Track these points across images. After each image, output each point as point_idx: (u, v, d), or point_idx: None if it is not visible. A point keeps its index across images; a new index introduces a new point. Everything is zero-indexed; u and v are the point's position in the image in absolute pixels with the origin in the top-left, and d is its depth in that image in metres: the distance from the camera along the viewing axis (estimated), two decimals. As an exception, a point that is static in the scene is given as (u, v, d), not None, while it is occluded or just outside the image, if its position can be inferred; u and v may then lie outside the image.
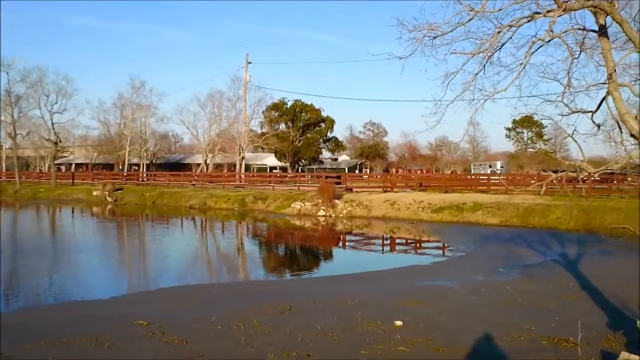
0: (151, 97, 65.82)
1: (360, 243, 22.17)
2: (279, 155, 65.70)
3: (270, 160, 73.16)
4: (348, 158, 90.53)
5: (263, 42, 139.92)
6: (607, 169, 7.09)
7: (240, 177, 49.34)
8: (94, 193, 42.74)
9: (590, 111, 6.96)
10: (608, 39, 6.39)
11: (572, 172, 7.24)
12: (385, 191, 33.63)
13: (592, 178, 26.11)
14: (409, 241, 22.79)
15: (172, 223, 29.95)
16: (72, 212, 36.43)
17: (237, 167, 56.04)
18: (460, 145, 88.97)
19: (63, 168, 79.89)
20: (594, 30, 6.55)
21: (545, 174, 36.86)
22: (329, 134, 69.73)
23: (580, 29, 6.81)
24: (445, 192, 32.53)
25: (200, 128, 62.97)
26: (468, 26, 6.83)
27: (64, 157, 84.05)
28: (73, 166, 79.95)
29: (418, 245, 21.67)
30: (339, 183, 36.60)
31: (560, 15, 6.28)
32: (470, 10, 6.59)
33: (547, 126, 77.08)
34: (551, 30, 6.48)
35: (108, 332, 7.88)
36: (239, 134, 57.00)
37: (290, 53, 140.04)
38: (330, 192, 30.48)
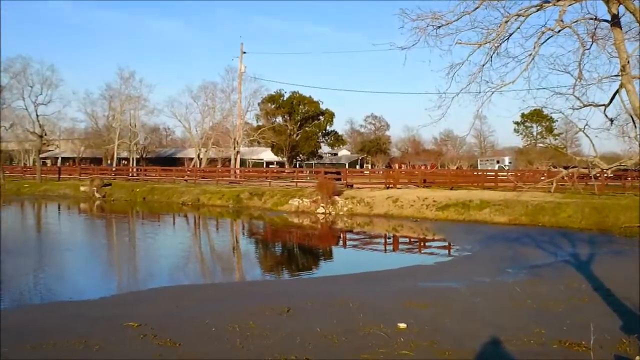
0: (141, 88, 65.65)
1: (362, 242, 22.20)
2: (276, 149, 65.76)
3: (267, 154, 73.17)
4: (348, 153, 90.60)
5: (259, 34, 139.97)
6: (620, 165, 7.11)
7: (235, 172, 49.31)
8: (82, 189, 42.67)
9: (603, 105, 6.97)
10: (621, 29, 6.40)
11: (583, 168, 7.26)
12: (388, 188, 33.67)
13: (605, 175, 26.18)
14: (412, 240, 22.84)
15: (164, 220, 29.97)
16: (59, 208, 36.40)
17: (232, 162, 56.05)
18: (466, 140, 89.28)
19: (49, 162, 79.85)
20: (606, 20, 6.56)
21: (556, 170, 36.87)
22: (328, 127, 69.85)
23: (592, 19, 6.82)
24: (451, 189, 32.56)
25: (193, 121, 62.97)
26: (474, 15, 6.85)
27: (50, 150, 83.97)
28: (59, 160, 79.95)
29: (422, 244, 21.72)
30: (339, 179, 36.59)
31: (571, 4, 6.31)
32: (477, -2, 6.62)
33: (557, 120, 77.17)
34: (561, 20, 6.50)
35: (97, 334, 7.92)
36: (233, 127, 57.00)
37: (288, 45, 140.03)
38: (330, 188, 30.50)
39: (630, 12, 6.05)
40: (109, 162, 68.86)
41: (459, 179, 39.94)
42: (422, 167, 69.54)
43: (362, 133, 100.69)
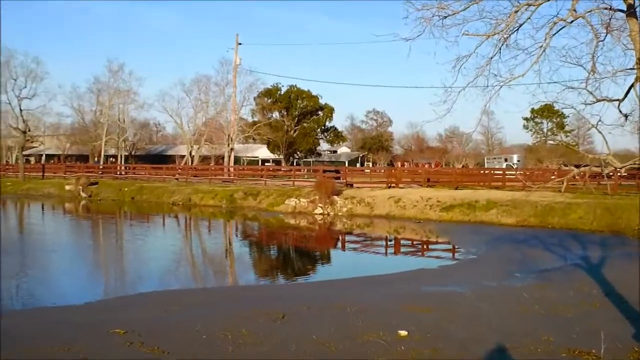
0: (130, 82, 65.65)
1: (362, 244, 22.20)
2: (272, 146, 65.65)
3: (262, 152, 73.15)
4: (348, 150, 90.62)
5: (256, 25, 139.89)
6: (634, 164, 7.09)
7: (228, 170, 49.30)
8: (67, 187, 42.62)
9: (617, 99, 6.95)
10: (637, 19, 6.38)
11: (596, 166, 7.25)
12: (390, 187, 33.66)
13: (619, 173, 26.17)
14: (415, 242, 22.83)
15: (153, 221, 29.94)
16: (43, 208, 36.37)
17: (226, 159, 56.03)
18: (473, 137, 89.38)
19: (32, 159, 79.85)
20: (621, 10, 6.54)
21: (567, 168, 36.77)
22: (327, 123, 69.71)
23: (606, 9, 6.80)
24: (456, 189, 32.57)
25: (185, 116, 62.98)
26: (482, 4, 6.83)
27: (34, 147, 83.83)
28: (43, 158, 79.93)
29: (425, 246, 21.73)
30: (338, 178, 36.63)
31: (584, -7, 6.27)
32: (485, -13, 6.59)
33: (568, 116, 76.93)
34: (574, 10, 6.48)
35: (82, 341, 7.88)
36: (227, 123, 56.97)
37: (286, 37, 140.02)
38: (329, 187, 30.50)
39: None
40: (95, 159, 68.77)
41: (464, 178, 39.94)
42: (426, 166, 69.63)
43: (363, 129, 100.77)
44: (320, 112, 67.83)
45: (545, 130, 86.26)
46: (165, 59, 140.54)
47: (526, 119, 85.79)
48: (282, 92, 65.29)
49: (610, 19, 6.96)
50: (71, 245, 21.33)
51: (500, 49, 7.03)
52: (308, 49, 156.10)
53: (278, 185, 37.54)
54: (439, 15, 6.90)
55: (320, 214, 29.38)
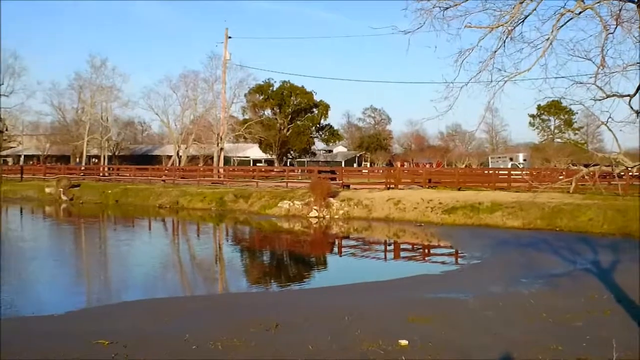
0: (114, 78, 65.35)
1: (359, 249, 22.19)
2: (264, 146, 65.58)
3: (254, 151, 73.09)
4: (345, 149, 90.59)
5: (247, 18, 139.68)
6: (646, 163, 7.10)
7: (218, 171, 49.27)
8: (47, 190, 42.51)
9: (628, 95, 6.95)
10: (649, 10, 6.39)
11: (606, 166, 7.26)
12: (389, 188, 33.66)
13: (630, 173, 26.24)
14: (415, 247, 22.85)
15: (139, 225, 29.86)
16: (21, 212, 36.22)
17: (215, 159, 55.96)
18: (476, 135, 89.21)
19: (10, 161, 79.48)
20: (632, 1, 6.55)
21: (575, 168, 36.87)
22: (322, 121, 69.67)
23: (616, -1, 6.81)
24: (459, 190, 32.61)
25: (172, 114, 62.82)
26: (485, -5, 6.82)
27: (12, 147, 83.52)
28: (22, 159, 79.54)
29: (426, 251, 21.73)
30: (334, 179, 36.59)
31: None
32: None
33: (577, 112, 77.29)
34: (582, 1, 6.48)
35: (63, 353, 7.85)
36: (217, 121, 56.90)
37: (279, 30, 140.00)
38: (324, 189, 30.48)
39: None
40: (77, 160, 68.53)
41: (467, 178, 39.99)
42: (427, 166, 69.69)
43: (360, 127, 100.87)
44: (315, 110, 67.79)
45: (552, 127, 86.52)
46: (151, 54, 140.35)
47: (532, 116, 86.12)
48: (275, 89, 65.22)
49: (620, 10, 6.96)
50: (52, 252, 21.23)
51: (504, 42, 7.04)
52: (302, 43, 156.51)
53: (270, 186, 37.50)
54: (439, 7, 6.91)
55: (316, 217, 29.36)
